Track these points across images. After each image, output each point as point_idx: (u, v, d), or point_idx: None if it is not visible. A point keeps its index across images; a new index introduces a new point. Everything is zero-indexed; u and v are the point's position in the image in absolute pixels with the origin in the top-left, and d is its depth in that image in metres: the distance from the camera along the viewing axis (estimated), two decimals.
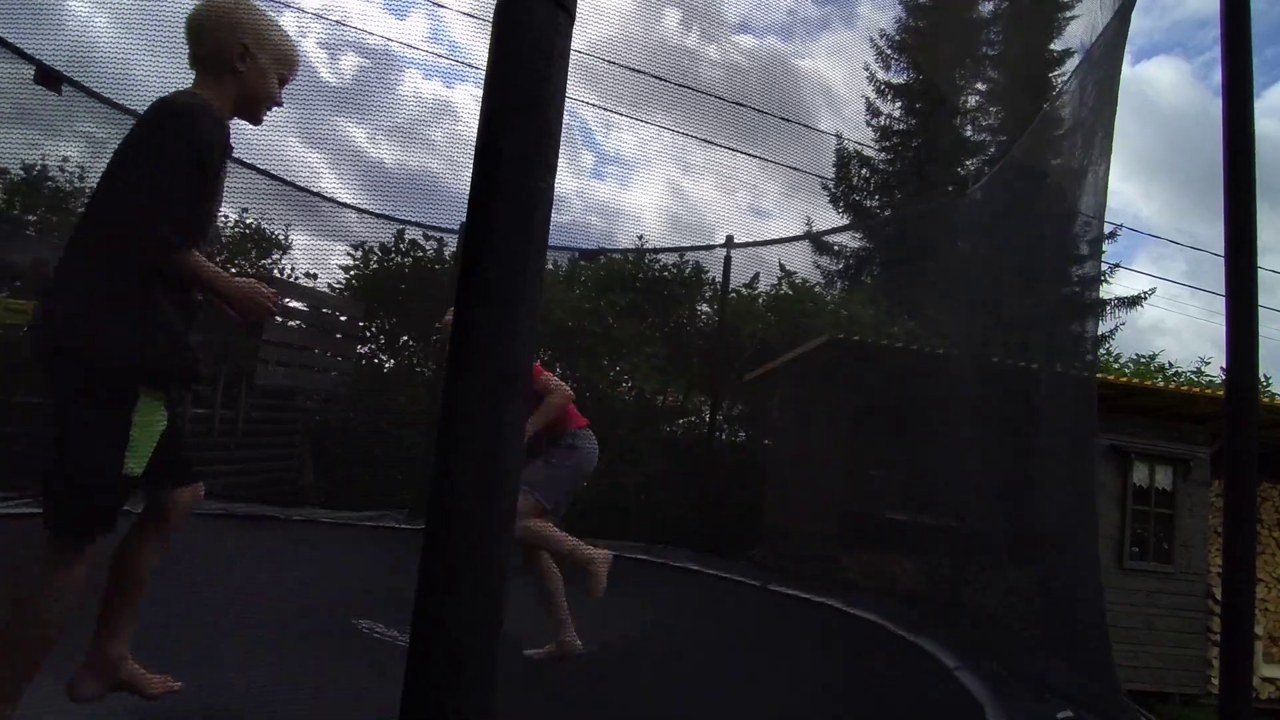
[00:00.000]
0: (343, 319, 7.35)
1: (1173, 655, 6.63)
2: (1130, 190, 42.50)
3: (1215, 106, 1.65)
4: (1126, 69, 2.62)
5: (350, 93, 6.68)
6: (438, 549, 0.60)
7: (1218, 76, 1.64)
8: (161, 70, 4.04)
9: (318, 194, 6.18)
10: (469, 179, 0.63)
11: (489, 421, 0.61)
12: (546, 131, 0.62)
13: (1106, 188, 2.77)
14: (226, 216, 6.83)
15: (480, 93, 0.63)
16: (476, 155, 0.62)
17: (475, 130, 0.63)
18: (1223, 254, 1.61)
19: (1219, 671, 1.57)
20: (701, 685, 2.59)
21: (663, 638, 2.98)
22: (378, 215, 6.75)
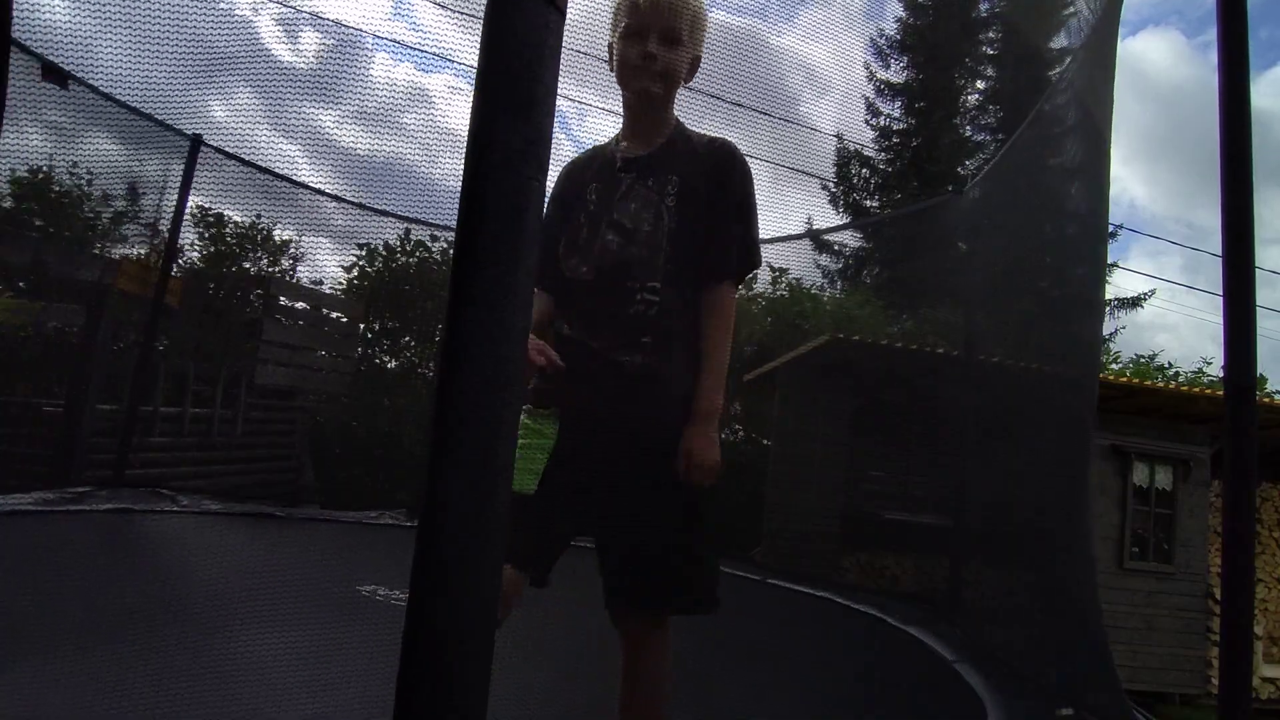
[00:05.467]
0: (344, 319, 7.36)
1: (1173, 655, 6.63)
2: (1129, 175, 41.99)
3: (1213, 80, 1.64)
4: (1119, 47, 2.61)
5: (350, 88, 6.68)
6: (431, 549, 0.60)
7: (1212, 53, 1.64)
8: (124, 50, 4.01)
9: (330, 195, 6.18)
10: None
11: (483, 421, 0.61)
12: (538, 130, 0.62)
13: (1108, 185, 2.76)
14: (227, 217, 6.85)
15: (456, 85, 0.63)
16: (468, 153, 0.62)
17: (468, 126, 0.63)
18: (1221, 253, 1.61)
19: (1219, 671, 1.57)
20: (697, 674, 2.59)
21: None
22: (381, 213, 6.73)
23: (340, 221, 6.55)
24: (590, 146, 1.60)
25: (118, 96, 4.47)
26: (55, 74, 4.05)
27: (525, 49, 0.63)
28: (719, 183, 1.45)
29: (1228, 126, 1.60)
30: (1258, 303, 1.62)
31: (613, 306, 1.39)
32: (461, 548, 0.60)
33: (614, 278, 1.40)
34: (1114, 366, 13.69)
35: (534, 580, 1.44)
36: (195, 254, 6.71)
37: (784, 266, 7.84)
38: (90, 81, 4.29)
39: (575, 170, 1.56)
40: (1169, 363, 14.89)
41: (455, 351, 0.61)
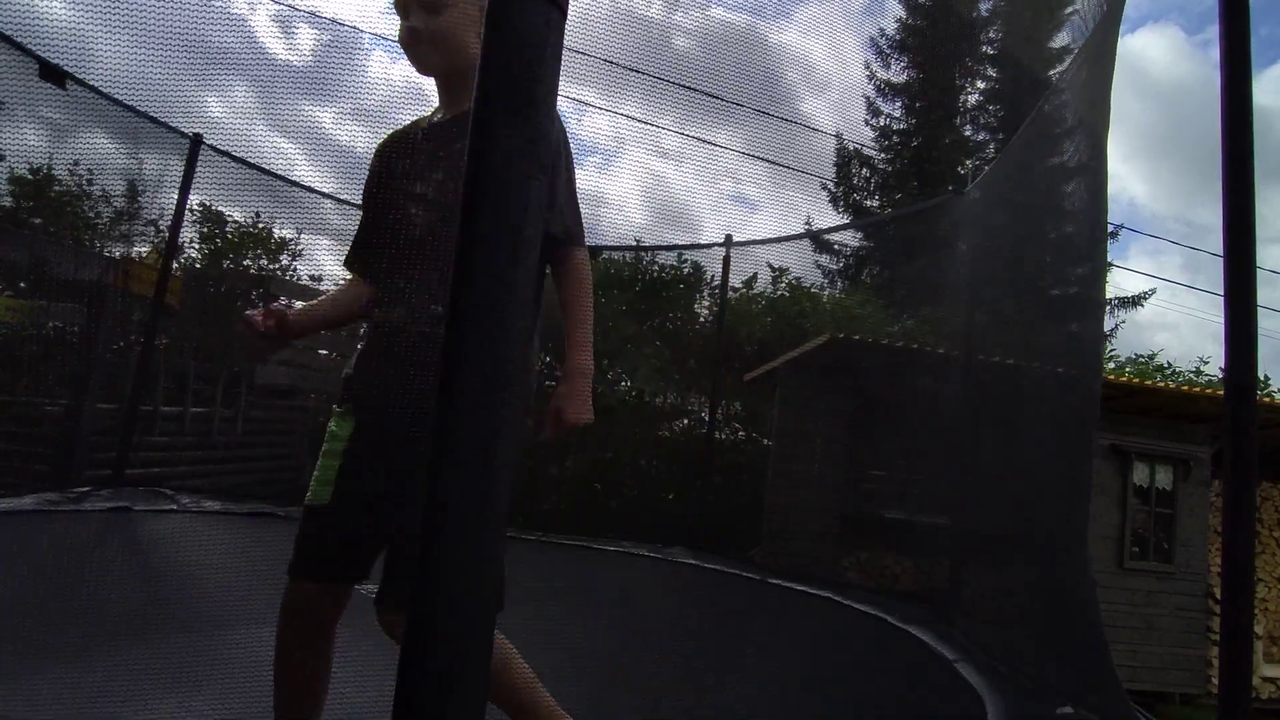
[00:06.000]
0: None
1: (1173, 655, 6.63)
2: (1129, 173, 41.82)
3: (1214, 77, 1.64)
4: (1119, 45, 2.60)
5: (348, 86, 6.68)
6: (431, 549, 0.60)
7: (1212, 50, 1.64)
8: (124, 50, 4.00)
9: (329, 195, 6.17)
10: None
11: (483, 421, 0.61)
12: (538, 129, 0.62)
13: (1106, 183, 2.76)
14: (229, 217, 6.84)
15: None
16: (468, 152, 0.62)
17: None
18: (1221, 253, 1.60)
19: (1219, 671, 1.57)
20: (698, 674, 2.59)
21: (661, 627, 2.99)
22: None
23: (339, 220, 6.53)
24: (409, 122, 1.48)
25: (116, 96, 4.46)
26: (53, 74, 4.04)
27: (525, 49, 0.63)
28: None
29: (1229, 125, 1.60)
30: (1258, 302, 1.61)
31: (421, 282, 1.30)
32: (461, 548, 0.60)
33: (422, 252, 1.31)
34: (1111, 365, 13.68)
35: (353, 578, 1.36)
36: (195, 253, 6.71)
37: (784, 266, 7.85)
38: (89, 81, 4.29)
39: (389, 146, 1.47)
40: (1168, 362, 14.87)
41: (455, 351, 0.61)
